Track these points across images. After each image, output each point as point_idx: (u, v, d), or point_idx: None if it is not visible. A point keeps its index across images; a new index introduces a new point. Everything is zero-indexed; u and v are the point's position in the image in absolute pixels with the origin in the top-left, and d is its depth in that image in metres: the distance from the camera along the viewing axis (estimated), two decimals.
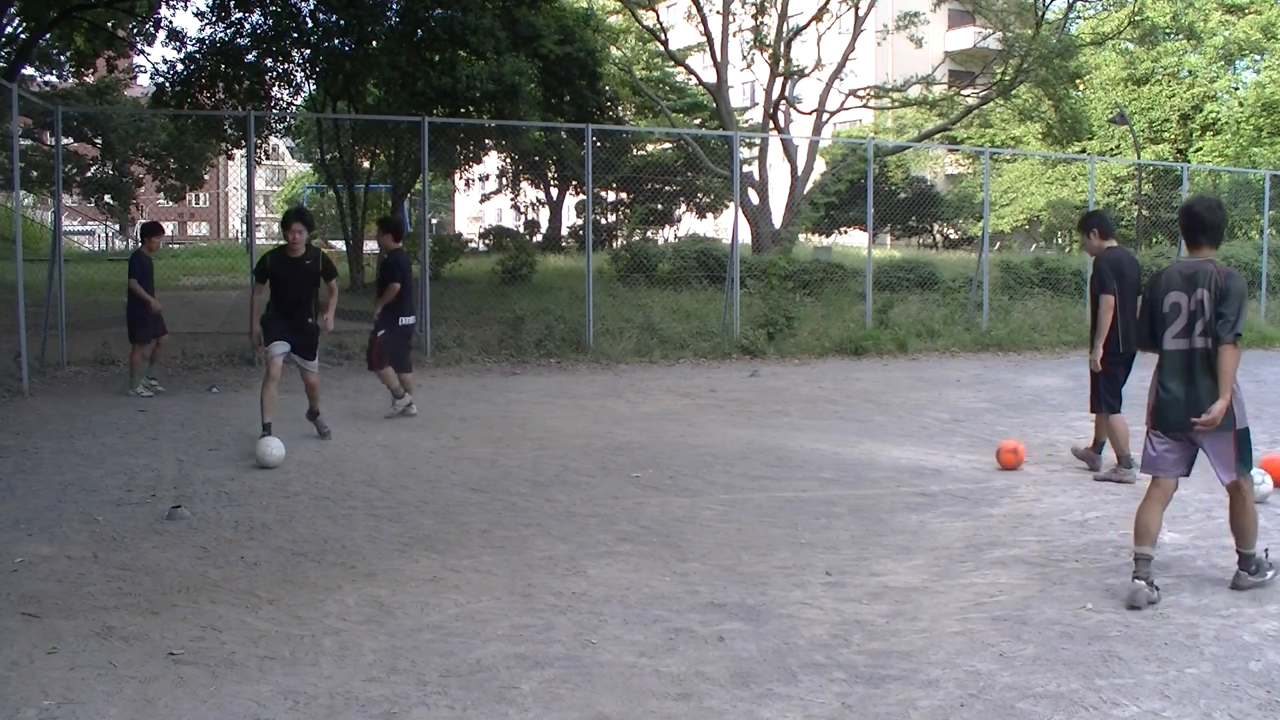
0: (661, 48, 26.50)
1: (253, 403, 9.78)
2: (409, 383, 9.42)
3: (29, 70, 26.67)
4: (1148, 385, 4.81)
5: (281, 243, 8.06)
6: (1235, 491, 4.67)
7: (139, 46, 24.29)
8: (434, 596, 4.56)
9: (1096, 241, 7.21)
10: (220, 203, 70.14)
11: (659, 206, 38.19)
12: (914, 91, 27.13)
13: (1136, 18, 28.05)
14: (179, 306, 14.85)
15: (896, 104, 28.35)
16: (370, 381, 11.40)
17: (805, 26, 25.30)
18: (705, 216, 39.10)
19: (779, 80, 25.17)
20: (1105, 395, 7.11)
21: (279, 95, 19.40)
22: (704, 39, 24.86)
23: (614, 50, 27.19)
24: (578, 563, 5.08)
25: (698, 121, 34.14)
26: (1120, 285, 6.94)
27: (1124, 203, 34.85)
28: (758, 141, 26.56)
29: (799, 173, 25.13)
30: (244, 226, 13.81)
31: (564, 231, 36.93)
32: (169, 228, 66.42)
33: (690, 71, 27.22)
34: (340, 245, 26.07)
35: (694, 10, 24.66)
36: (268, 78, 18.42)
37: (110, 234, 46.96)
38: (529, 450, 7.84)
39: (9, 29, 21.17)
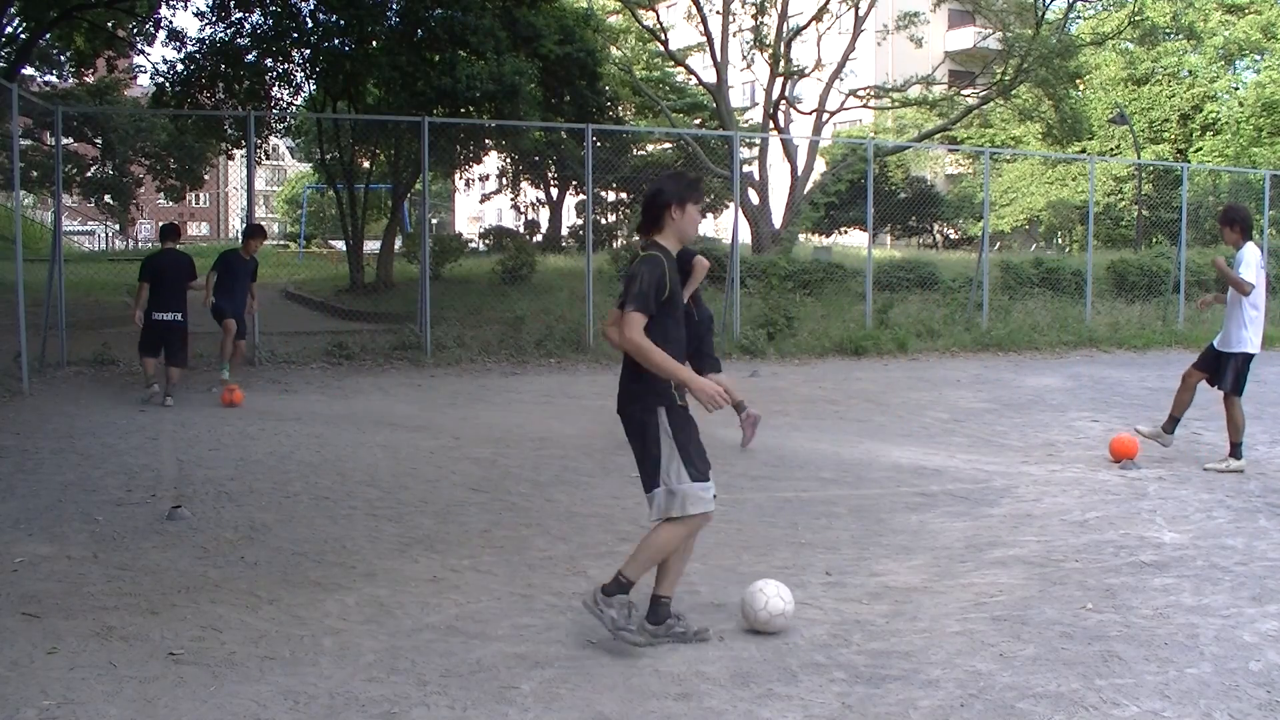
0: (661, 48, 26.49)
1: (253, 403, 9.79)
2: (172, 377, 9.75)
3: (29, 70, 26.67)
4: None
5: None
6: None
7: (139, 46, 24.27)
8: (434, 596, 4.56)
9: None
10: (220, 203, 70.13)
11: None
12: (914, 91, 27.12)
13: (1136, 18, 28.06)
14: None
15: (896, 104, 28.34)
16: (369, 382, 11.41)
17: (805, 26, 25.30)
18: (705, 216, 39.07)
19: (779, 80, 25.17)
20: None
21: (279, 95, 19.37)
22: (704, 39, 24.86)
23: (614, 50, 27.17)
24: (578, 563, 5.08)
25: (698, 121, 34.12)
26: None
27: (1124, 203, 34.85)
28: (758, 141, 26.56)
29: (799, 173, 25.13)
30: (244, 227, 13.84)
31: (564, 231, 36.92)
32: None
33: (690, 71, 27.21)
34: (340, 245, 26.08)
35: (694, 10, 24.65)
36: (268, 78, 18.40)
37: (110, 234, 46.97)
38: (529, 450, 7.84)
39: (9, 29, 21.15)
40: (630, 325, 3.86)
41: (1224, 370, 7.37)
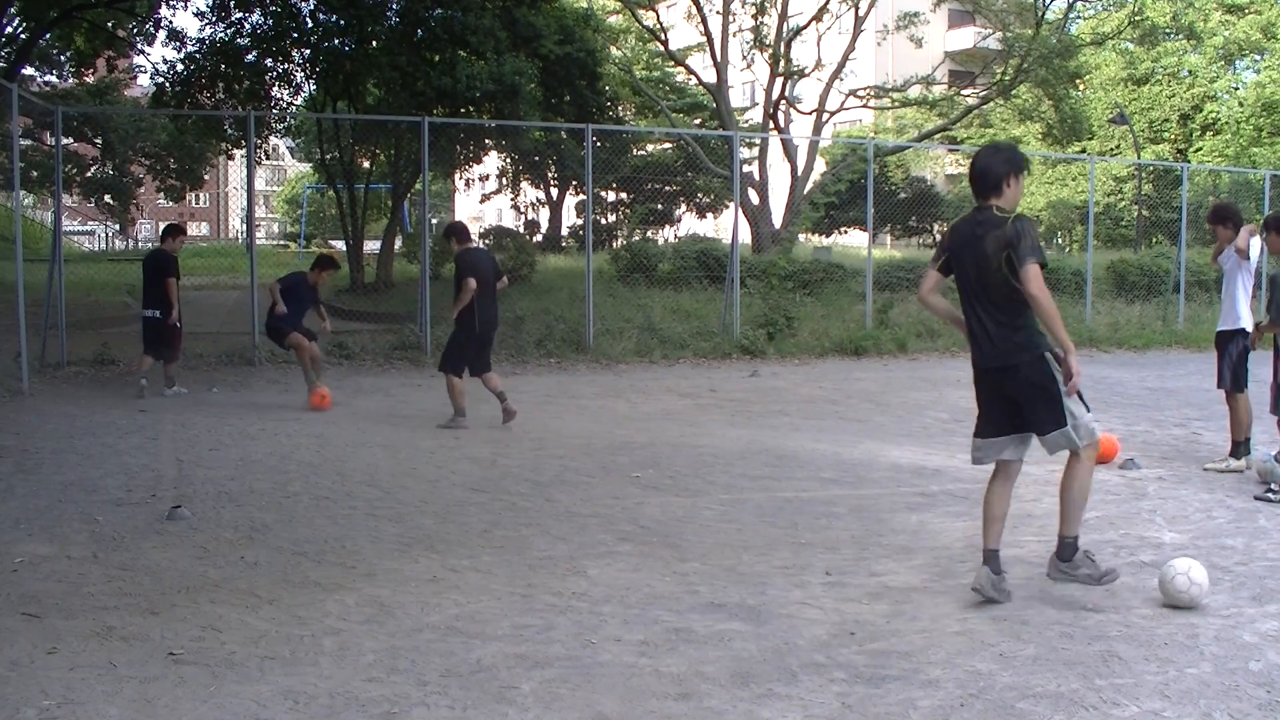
0: (661, 48, 26.48)
1: (252, 403, 9.81)
2: (165, 370, 10.30)
3: (29, 70, 26.64)
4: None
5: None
6: None
7: (139, 46, 24.28)
8: (434, 596, 4.56)
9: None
10: (220, 203, 70.12)
11: (659, 206, 38.15)
12: (914, 91, 27.11)
13: (1136, 18, 28.05)
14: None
15: (896, 104, 28.32)
16: (369, 382, 11.42)
17: (805, 26, 25.28)
18: (705, 216, 39.05)
19: (779, 80, 25.15)
20: None
21: (279, 95, 19.39)
22: (704, 39, 24.84)
23: (614, 50, 27.16)
24: (578, 563, 5.08)
25: (698, 121, 34.11)
26: None
27: (1124, 203, 34.85)
28: (758, 141, 26.55)
29: (799, 173, 25.12)
30: (244, 227, 13.82)
31: (564, 231, 36.90)
32: None
33: (690, 71, 27.19)
34: (340, 245, 26.08)
35: (694, 10, 24.64)
36: (268, 78, 18.41)
37: (110, 234, 46.94)
38: (529, 450, 7.84)
39: (9, 29, 21.16)
40: (1035, 276, 4.28)
41: (1219, 367, 7.37)
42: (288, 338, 9.92)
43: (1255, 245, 7.33)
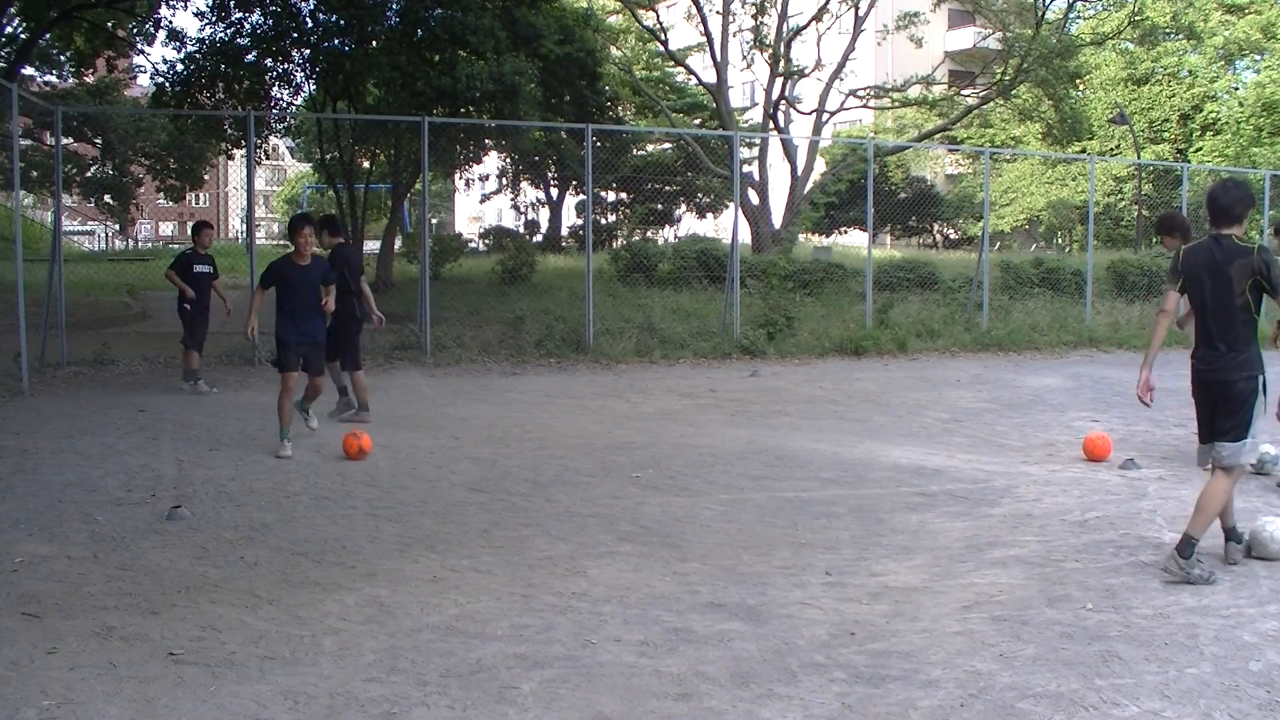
0: (661, 48, 26.49)
1: (253, 402, 9.80)
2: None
3: (29, 70, 26.63)
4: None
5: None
6: None
7: (139, 46, 24.25)
8: (434, 596, 4.56)
9: None
10: (220, 203, 70.12)
11: (659, 206, 38.17)
12: (914, 91, 27.11)
13: (1136, 18, 28.05)
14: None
15: (896, 104, 28.33)
16: (370, 381, 11.39)
17: (805, 26, 25.29)
18: (705, 216, 39.08)
19: (779, 80, 25.16)
20: None
21: (279, 95, 19.38)
22: (704, 39, 24.85)
23: (614, 50, 27.16)
24: (578, 563, 5.08)
25: (698, 121, 34.11)
26: None
27: (1124, 203, 34.86)
28: (758, 141, 26.56)
29: (799, 173, 25.13)
30: (244, 226, 13.84)
31: (564, 231, 36.92)
32: (169, 228, 66.57)
33: (690, 71, 27.20)
34: None
35: (694, 10, 24.65)
36: (268, 78, 18.41)
37: (110, 234, 46.93)
38: (529, 450, 7.84)
39: (9, 29, 21.16)
40: None
41: None
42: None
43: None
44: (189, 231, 11.18)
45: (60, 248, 12.24)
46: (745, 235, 23.56)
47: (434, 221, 42.44)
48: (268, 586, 4.66)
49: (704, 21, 24.45)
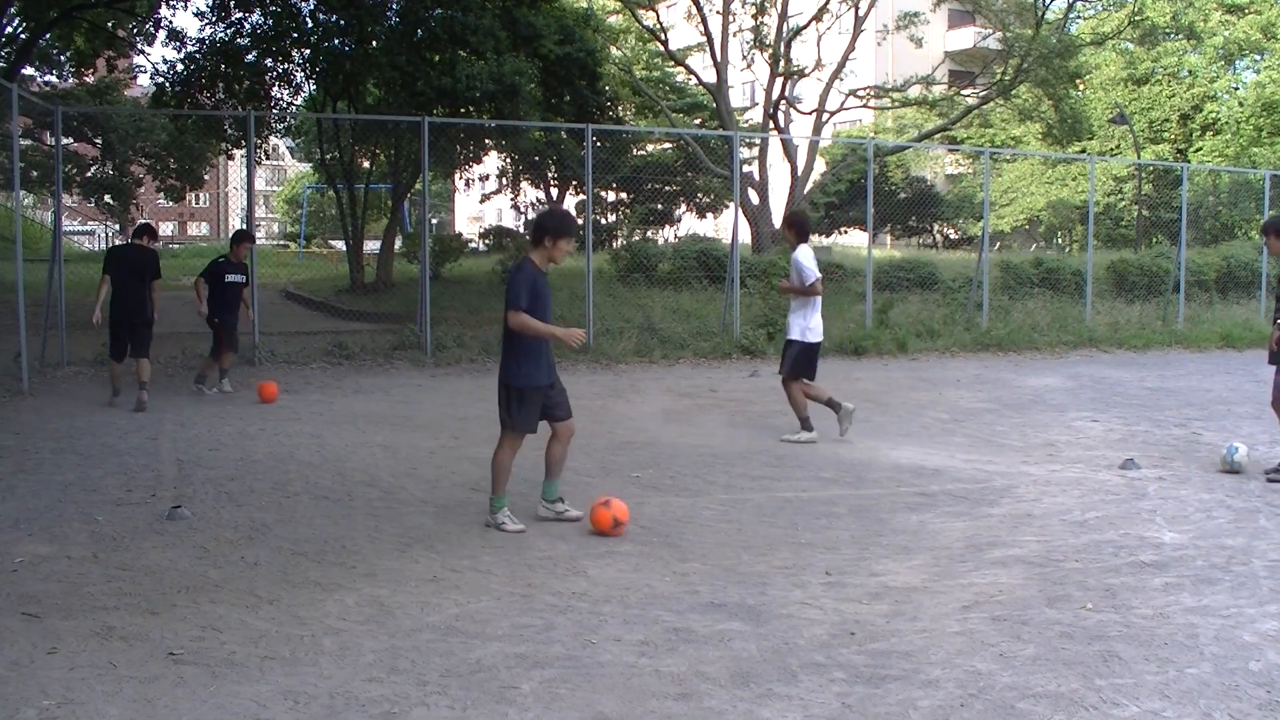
0: (661, 48, 26.48)
1: (253, 403, 9.81)
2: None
3: (29, 70, 26.64)
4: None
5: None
6: None
7: (139, 46, 24.29)
8: (434, 596, 4.56)
9: None
10: (220, 203, 70.17)
11: (659, 206, 38.16)
12: (914, 91, 27.11)
13: (1136, 18, 28.05)
14: (179, 306, 14.85)
15: (896, 104, 28.33)
16: (369, 382, 11.41)
17: (805, 26, 25.29)
18: (705, 216, 39.08)
19: (779, 80, 25.16)
20: None
21: (279, 95, 19.40)
22: (704, 39, 24.84)
23: (614, 50, 27.17)
24: (578, 563, 5.08)
25: (698, 121, 34.11)
26: None
27: (1124, 203, 34.85)
28: (758, 141, 26.56)
29: (799, 173, 25.13)
30: (244, 227, 13.83)
31: None
32: (169, 228, 66.55)
33: (690, 71, 27.20)
34: (340, 245, 26.08)
35: (694, 10, 24.65)
36: (268, 78, 18.42)
37: (110, 234, 46.92)
38: (529, 450, 7.82)
39: (9, 29, 21.16)
40: None
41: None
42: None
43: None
44: (229, 240, 11.17)
45: (60, 248, 12.25)
46: (745, 235, 23.57)
47: (434, 221, 42.46)
48: (268, 586, 4.66)
49: (704, 21, 24.45)
